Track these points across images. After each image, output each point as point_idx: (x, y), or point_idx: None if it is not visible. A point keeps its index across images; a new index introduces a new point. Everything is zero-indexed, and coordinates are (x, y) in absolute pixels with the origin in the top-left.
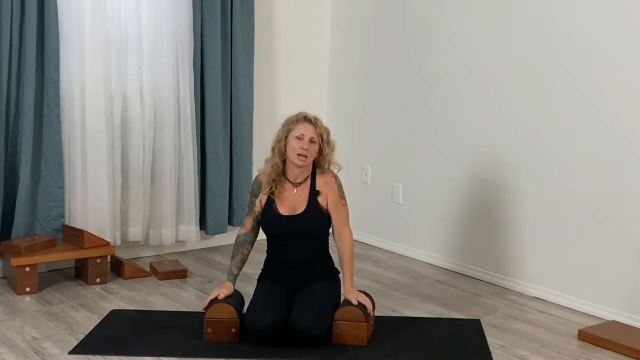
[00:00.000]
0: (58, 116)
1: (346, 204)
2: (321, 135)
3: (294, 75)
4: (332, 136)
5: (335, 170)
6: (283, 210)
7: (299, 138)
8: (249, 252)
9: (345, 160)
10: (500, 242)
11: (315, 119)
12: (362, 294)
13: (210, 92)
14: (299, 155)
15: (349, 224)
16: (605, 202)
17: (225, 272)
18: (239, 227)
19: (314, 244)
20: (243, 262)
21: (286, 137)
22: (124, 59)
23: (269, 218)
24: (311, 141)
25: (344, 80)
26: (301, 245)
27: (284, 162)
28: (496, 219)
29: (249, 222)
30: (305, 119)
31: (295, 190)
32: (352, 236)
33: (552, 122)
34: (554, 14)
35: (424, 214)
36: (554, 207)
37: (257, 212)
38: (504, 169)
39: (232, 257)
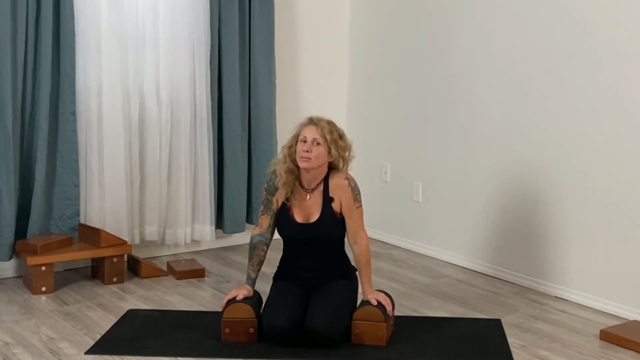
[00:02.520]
0: (74, 113)
1: (360, 207)
2: (325, 137)
3: (314, 73)
4: (351, 134)
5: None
6: (298, 217)
7: (303, 141)
8: (266, 253)
9: (364, 158)
10: (520, 241)
11: (319, 119)
12: (382, 294)
13: (227, 89)
14: (302, 157)
15: (363, 227)
16: (627, 201)
17: (243, 271)
18: (254, 227)
19: (330, 249)
20: (260, 264)
21: (296, 143)
22: (140, 56)
23: (285, 224)
24: (315, 143)
25: (363, 77)
26: (317, 250)
27: (298, 167)
28: (517, 218)
29: (265, 221)
30: (310, 121)
31: (308, 197)
32: (367, 239)
33: (577, 119)
34: (585, 7)
35: (444, 212)
36: (575, 206)
37: (274, 211)
38: (525, 168)
39: (249, 260)
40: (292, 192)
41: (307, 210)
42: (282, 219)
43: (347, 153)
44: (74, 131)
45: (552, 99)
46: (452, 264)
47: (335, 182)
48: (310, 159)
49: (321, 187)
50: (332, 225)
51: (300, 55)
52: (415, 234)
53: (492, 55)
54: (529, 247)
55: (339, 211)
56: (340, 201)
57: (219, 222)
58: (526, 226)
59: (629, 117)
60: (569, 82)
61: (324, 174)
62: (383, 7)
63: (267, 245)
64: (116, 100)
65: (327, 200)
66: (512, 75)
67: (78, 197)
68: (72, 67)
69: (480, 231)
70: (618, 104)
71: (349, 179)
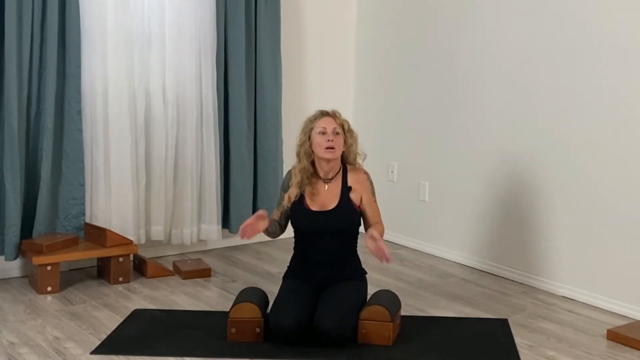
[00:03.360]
0: (79, 113)
1: (376, 201)
2: (342, 126)
3: (320, 72)
4: (357, 132)
5: (360, 160)
6: (314, 206)
7: (322, 133)
8: (279, 229)
9: (371, 157)
10: (528, 240)
11: (334, 111)
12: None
13: (233, 89)
14: (327, 148)
15: (381, 219)
16: (634, 200)
17: (249, 271)
18: None
19: (344, 242)
20: (277, 228)
21: (309, 137)
22: (146, 55)
23: (299, 213)
24: (335, 133)
25: (370, 77)
26: (331, 242)
27: (312, 163)
28: (524, 217)
29: (276, 214)
30: (323, 113)
31: (326, 187)
32: (384, 227)
33: (583, 120)
34: (587, 7)
35: (451, 212)
36: (582, 205)
37: (285, 207)
38: (532, 167)
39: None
40: (309, 184)
41: (324, 200)
42: (297, 209)
43: (356, 144)
44: (80, 130)
45: (558, 100)
46: (458, 263)
47: (355, 176)
48: (334, 148)
49: (340, 178)
50: (349, 213)
51: (307, 55)
52: (422, 234)
53: (498, 56)
54: (536, 247)
55: (357, 203)
56: (361, 195)
57: (225, 221)
58: (533, 226)
59: (633, 117)
60: (575, 83)
61: (340, 164)
62: (389, 7)
63: (281, 226)
64: (122, 99)
65: (346, 189)
66: (517, 75)
67: (84, 197)
68: (78, 66)
69: (486, 230)
70: (622, 105)
71: (368, 175)
